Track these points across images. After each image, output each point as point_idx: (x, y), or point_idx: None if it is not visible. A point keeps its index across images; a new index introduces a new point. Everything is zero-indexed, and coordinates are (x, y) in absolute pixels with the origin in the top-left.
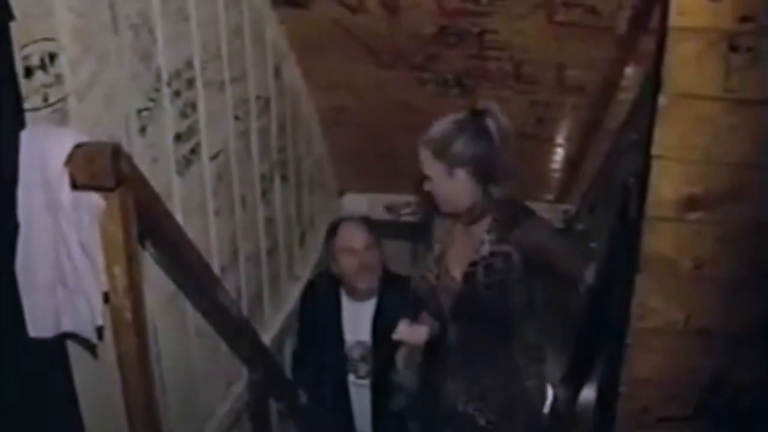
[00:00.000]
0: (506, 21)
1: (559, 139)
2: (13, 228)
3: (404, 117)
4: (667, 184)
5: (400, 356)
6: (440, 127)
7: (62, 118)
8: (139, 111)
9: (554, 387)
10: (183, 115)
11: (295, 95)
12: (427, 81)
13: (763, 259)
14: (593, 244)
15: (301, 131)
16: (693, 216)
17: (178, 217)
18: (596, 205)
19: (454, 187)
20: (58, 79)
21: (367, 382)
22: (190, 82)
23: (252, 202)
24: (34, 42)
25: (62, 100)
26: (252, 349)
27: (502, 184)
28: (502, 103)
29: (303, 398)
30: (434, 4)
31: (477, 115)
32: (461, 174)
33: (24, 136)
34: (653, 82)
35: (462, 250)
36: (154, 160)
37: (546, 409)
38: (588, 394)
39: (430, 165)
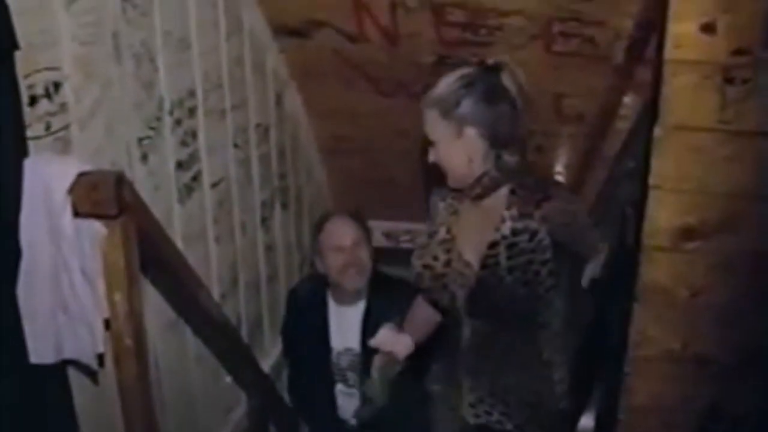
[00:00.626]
0: (505, 51)
1: (558, 167)
2: (16, 254)
3: (404, 145)
4: (663, 214)
5: (375, 363)
6: (447, 83)
7: (65, 146)
8: (141, 139)
9: None
10: (184, 143)
11: (295, 123)
12: None
13: (758, 288)
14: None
15: (301, 159)
16: (689, 246)
17: (179, 244)
18: None
19: (464, 150)
20: (62, 107)
21: (356, 391)
22: (192, 111)
23: (252, 229)
24: (38, 71)
25: (65, 128)
26: (252, 375)
27: (518, 152)
28: None
29: (304, 429)
30: (434, 33)
31: (489, 71)
32: (471, 133)
33: (27, 164)
34: (650, 114)
35: (476, 231)
36: (156, 187)
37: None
38: (587, 422)
39: (436, 126)
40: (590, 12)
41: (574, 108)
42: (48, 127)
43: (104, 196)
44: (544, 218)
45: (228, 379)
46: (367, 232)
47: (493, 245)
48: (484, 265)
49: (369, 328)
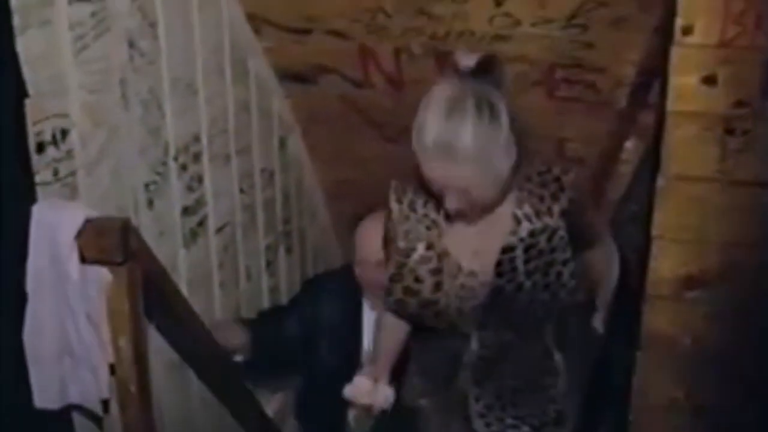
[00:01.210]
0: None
1: None
2: (22, 299)
3: None
4: (665, 264)
5: (351, 415)
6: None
7: (71, 192)
8: (147, 184)
9: None
10: (190, 188)
11: (299, 167)
12: None
13: (759, 337)
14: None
15: (305, 203)
16: (690, 295)
17: (183, 289)
18: None
19: (500, 159)
20: (69, 154)
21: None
22: (197, 156)
23: (257, 273)
24: (47, 118)
25: (72, 174)
26: (255, 419)
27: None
28: None
29: None
30: (438, 79)
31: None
32: (502, 142)
33: (35, 210)
34: (652, 159)
35: (478, 236)
36: (161, 233)
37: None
38: None
39: (475, 176)
40: (592, 59)
41: (577, 152)
42: (55, 173)
43: (110, 243)
44: (565, 212)
45: None
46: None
47: (507, 250)
48: (499, 273)
49: None
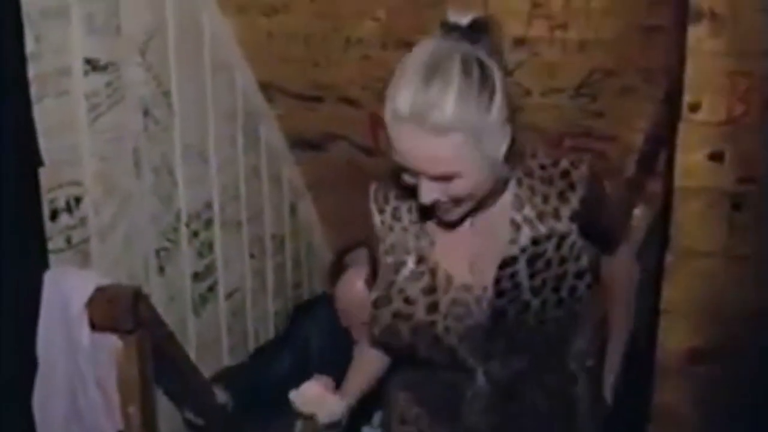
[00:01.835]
0: None
1: None
2: (33, 364)
3: None
4: (673, 338)
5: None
6: (445, 94)
7: (84, 259)
8: (158, 251)
9: None
10: (200, 254)
11: (309, 233)
12: None
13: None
14: None
15: (316, 268)
16: (698, 368)
17: (192, 355)
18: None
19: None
20: (82, 221)
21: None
22: (209, 223)
23: (266, 338)
24: (61, 186)
25: (85, 241)
26: None
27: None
28: None
29: None
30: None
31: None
32: (495, 115)
33: (47, 276)
34: (661, 238)
35: (474, 247)
36: (171, 298)
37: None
38: None
39: (459, 154)
40: (601, 127)
41: None
42: (69, 240)
43: (121, 311)
44: (576, 213)
45: None
46: None
47: (507, 263)
48: (500, 292)
49: None
